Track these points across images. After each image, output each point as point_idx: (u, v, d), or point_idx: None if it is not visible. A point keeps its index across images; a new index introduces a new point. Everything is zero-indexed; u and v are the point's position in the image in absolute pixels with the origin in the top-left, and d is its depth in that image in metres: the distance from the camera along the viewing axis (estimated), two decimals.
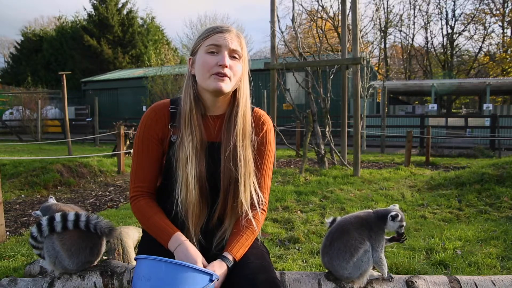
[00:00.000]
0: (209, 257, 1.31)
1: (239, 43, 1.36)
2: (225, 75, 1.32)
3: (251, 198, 1.38)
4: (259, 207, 1.41)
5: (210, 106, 1.41)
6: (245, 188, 1.37)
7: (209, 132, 1.41)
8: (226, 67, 1.31)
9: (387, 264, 1.51)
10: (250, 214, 1.37)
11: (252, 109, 1.47)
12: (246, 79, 1.41)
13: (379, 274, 1.50)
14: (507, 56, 26.97)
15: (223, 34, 1.33)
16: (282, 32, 7.48)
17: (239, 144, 1.36)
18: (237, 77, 1.36)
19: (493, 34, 29.77)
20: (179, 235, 1.31)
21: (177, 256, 1.27)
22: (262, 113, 1.49)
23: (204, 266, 1.24)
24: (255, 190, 1.40)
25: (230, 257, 1.28)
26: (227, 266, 1.25)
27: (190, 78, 1.40)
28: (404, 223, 1.49)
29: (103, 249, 1.61)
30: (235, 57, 1.35)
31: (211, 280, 1.16)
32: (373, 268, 1.50)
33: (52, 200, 1.80)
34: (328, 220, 1.60)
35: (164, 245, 1.32)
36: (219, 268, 1.23)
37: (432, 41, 41.65)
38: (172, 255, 1.29)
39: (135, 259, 1.22)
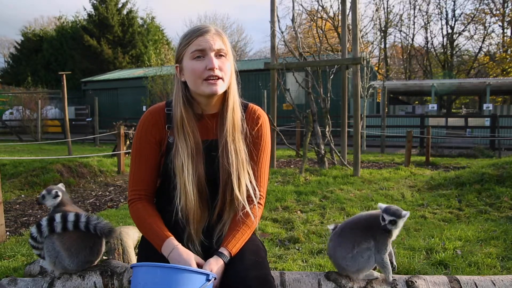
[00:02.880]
0: (211, 254, 1.32)
1: (221, 41, 1.35)
2: (217, 77, 1.32)
3: (247, 190, 1.39)
4: (255, 200, 1.41)
5: (205, 106, 1.42)
6: (239, 180, 1.37)
7: (207, 131, 1.42)
8: (216, 69, 1.32)
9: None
10: (247, 207, 1.38)
11: (247, 105, 1.49)
12: (233, 75, 1.42)
13: (381, 275, 1.49)
14: (507, 56, 26.96)
15: (204, 37, 1.32)
16: (282, 32, 7.48)
17: (229, 138, 1.37)
18: (228, 75, 1.37)
19: (493, 34, 29.75)
20: (172, 240, 1.31)
21: (171, 262, 1.28)
22: (257, 108, 1.50)
23: (200, 265, 1.25)
24: (250, 182, 1.40)
25: (226, 253, 1.29)
26: (224, 262, 1.27)
27: (180, 86, 1.39)
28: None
29: (103, 249, 1.62)
30: (221, 55, 1.35)
31: (208, 280, 1.16)
32: (375, 268, 1.50)
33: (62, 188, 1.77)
34: (330, 227, 1.60)
35: (158, 250, 1.32)
36: (215, 265, 1.24)
37: (432, 41, 41.63)
38: None
39: (131, 267, 1.23)
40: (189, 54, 1.33)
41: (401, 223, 1.44)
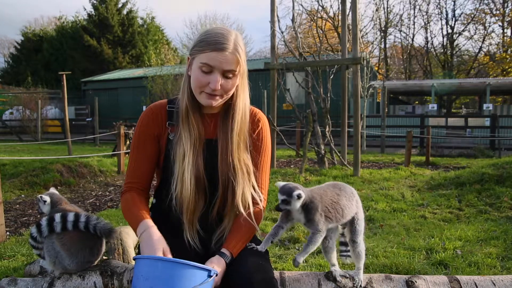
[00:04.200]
0: (210, 254, 1.33)
1: (235, 61, 1.30)
2: (215, 95, 1.33)
3: (248, 196, 1.40)
4: (258, 204, 1.42)
5: (205, 106, 1.43)
6: (241, 186, 1.38)
7: (206, 129, 1.43)
8: (218, 89, 1.31)
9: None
10: (245, 213, 1.39)
11: None
12: (246, 87, 1.41)
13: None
14: (507, 56, 26.95)
15: (217, 54, 1.27)
16: (282, 32, 7.49)
17: (235, 146, 1.38)
18: (231, 91, 1.36)
19: (493, 34, 29.69)
20: (147, 222, 1.32)
21: (140, 242, 1.28)
22: (257, 110, 1.51)
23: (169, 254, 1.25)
24: (253, 188, 1.42)
25: (227, 253, 1.31)
26: (225, 262, 1.28)
27: (187, 78, 1.40)
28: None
29: (103, 249, 1.61)
30: (228, 76, 1.32)
31: (209, 276, 1.17)
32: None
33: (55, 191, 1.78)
34: None
35: (136, 233, 1.33)
36: (217, 264, 1.26)
37: (432, 41, 41.52)
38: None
39: (134, 259, 1.23)
40: (198, 62, 1.31)
41: (296, 203, 1.32)
